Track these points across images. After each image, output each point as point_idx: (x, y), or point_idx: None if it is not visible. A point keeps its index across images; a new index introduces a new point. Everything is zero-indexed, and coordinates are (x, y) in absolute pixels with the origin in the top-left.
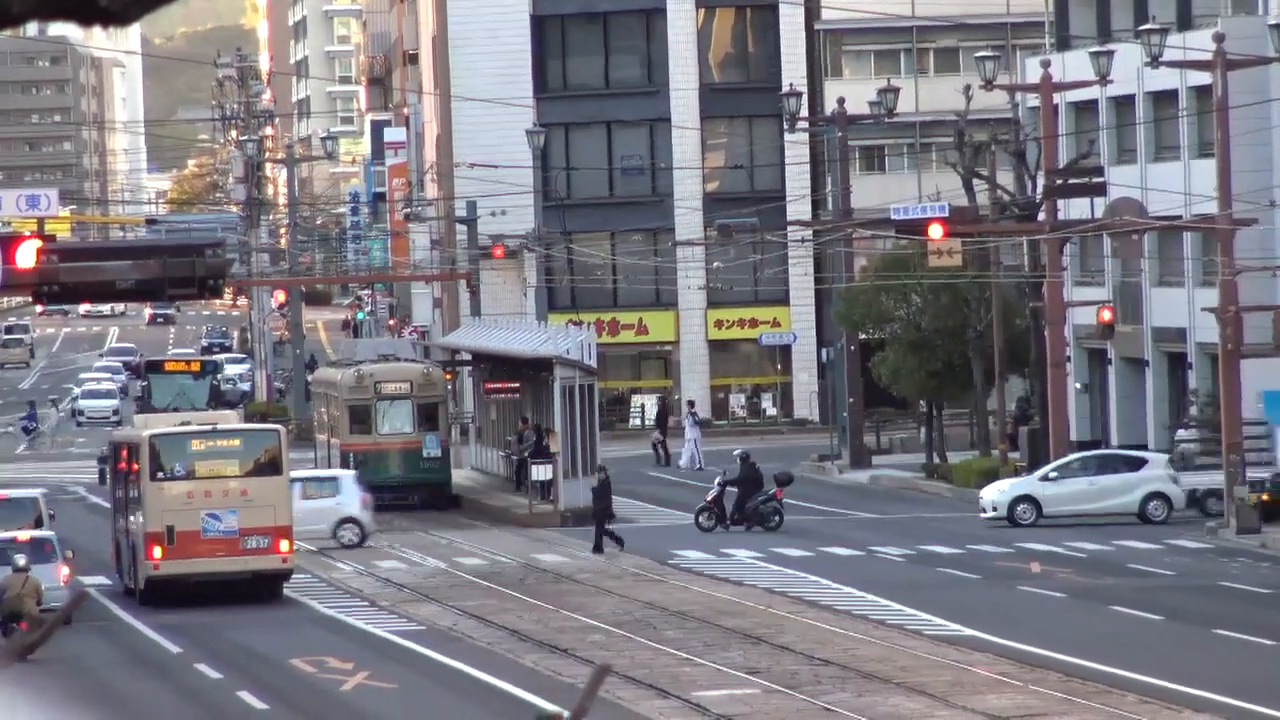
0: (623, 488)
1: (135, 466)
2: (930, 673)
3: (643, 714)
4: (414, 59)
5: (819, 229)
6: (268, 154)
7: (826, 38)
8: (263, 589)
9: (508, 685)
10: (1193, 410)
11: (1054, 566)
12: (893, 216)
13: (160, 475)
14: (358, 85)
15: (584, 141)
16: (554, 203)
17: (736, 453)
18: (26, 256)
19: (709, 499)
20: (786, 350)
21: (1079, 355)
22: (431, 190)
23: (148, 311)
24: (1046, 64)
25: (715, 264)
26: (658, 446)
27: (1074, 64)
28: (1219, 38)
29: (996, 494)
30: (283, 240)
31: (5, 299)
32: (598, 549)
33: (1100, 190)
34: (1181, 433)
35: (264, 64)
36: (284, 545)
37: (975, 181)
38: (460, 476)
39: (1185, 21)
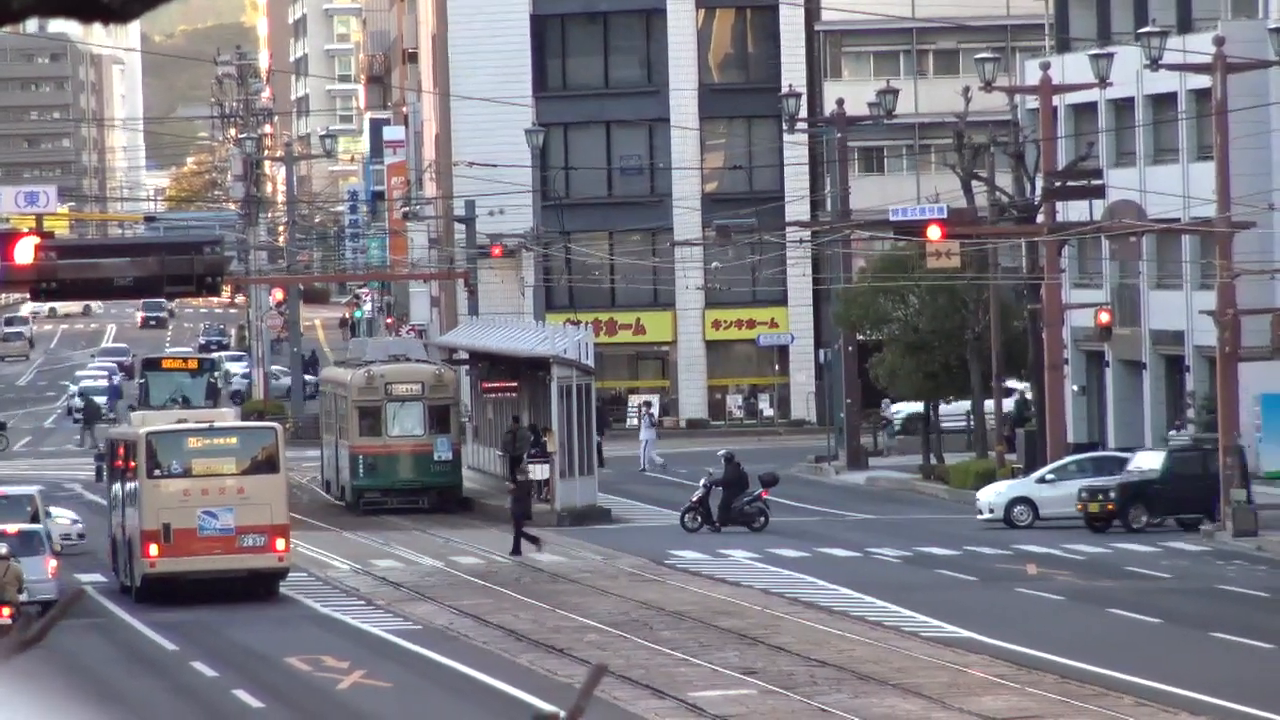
0: (619, 487)
1: (132, 464)
2: (926, 674)
3: (639, 714)
4: (413, 57)
5: (817, 230)
6: (266, 152)
7: (826, 39)
8: (259, 587)
9: (504, 685)
10: (1189, 413)
11: (1051, 568)
12: (891, 218)
13: (157, 473)
14: (357, 83)
15: (583, 141)
16: (552, 202)
17: (721, 453)
18: (25, 253)
19: (694, 499)
20: (784, 351)
21: (1077, 357)
22: (430, 189)
23: (139, 315)
24: (1046, 66)
25: (713, 264)
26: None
27: (1073, 66)
28: (1219, 41)
29: (993, 496)
30: (281, 238)
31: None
32: (515, 551)
33: (1099, 193)
34: (1173, 434)
35: (263, 62)
36: (280, 543)
37: (974, 183)
38: None
39: (1185, 24)
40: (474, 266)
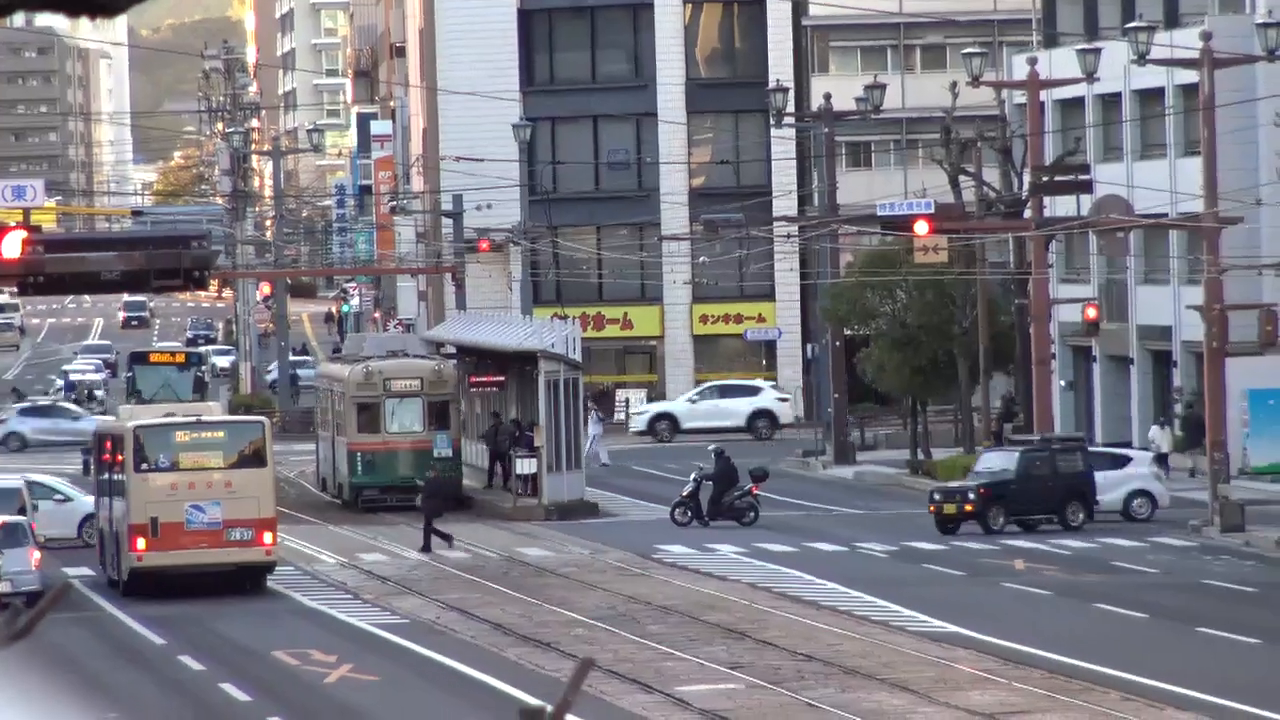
0: (607, 481)
1: (119, 458)
2: (913, 669)
3: (626, 708)
4: (401, 52)
5: (805, 225)
6: (254, 146)
7: (813, 33)
8: (246, 581)
9: (491, 679)
10: (1176, 408)
11: (1038, 564)
12: (879, 213)
13: (144, 467)
14: (344, 78)
15: (570, 136)
16: (540, 197)
17: (712, 448)
18: (12, 247)
19: (684, 494)
20: (771, 346)
21: (1064, 353)
22: (417, 183)
23: (121, 314)
24: (1033, 61)
25: (701, 259)
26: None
27: (1061, 61)
28: (1206, 36)
29: None
30: (268, 233)
31: None
32: (425, 548)
33: (1086, 188)
34: (1154, 430)
35: (250, 56)
36: (268, 538)
37: (961, 178)
38: None
39: (1172, 19)
40: (461, 261)
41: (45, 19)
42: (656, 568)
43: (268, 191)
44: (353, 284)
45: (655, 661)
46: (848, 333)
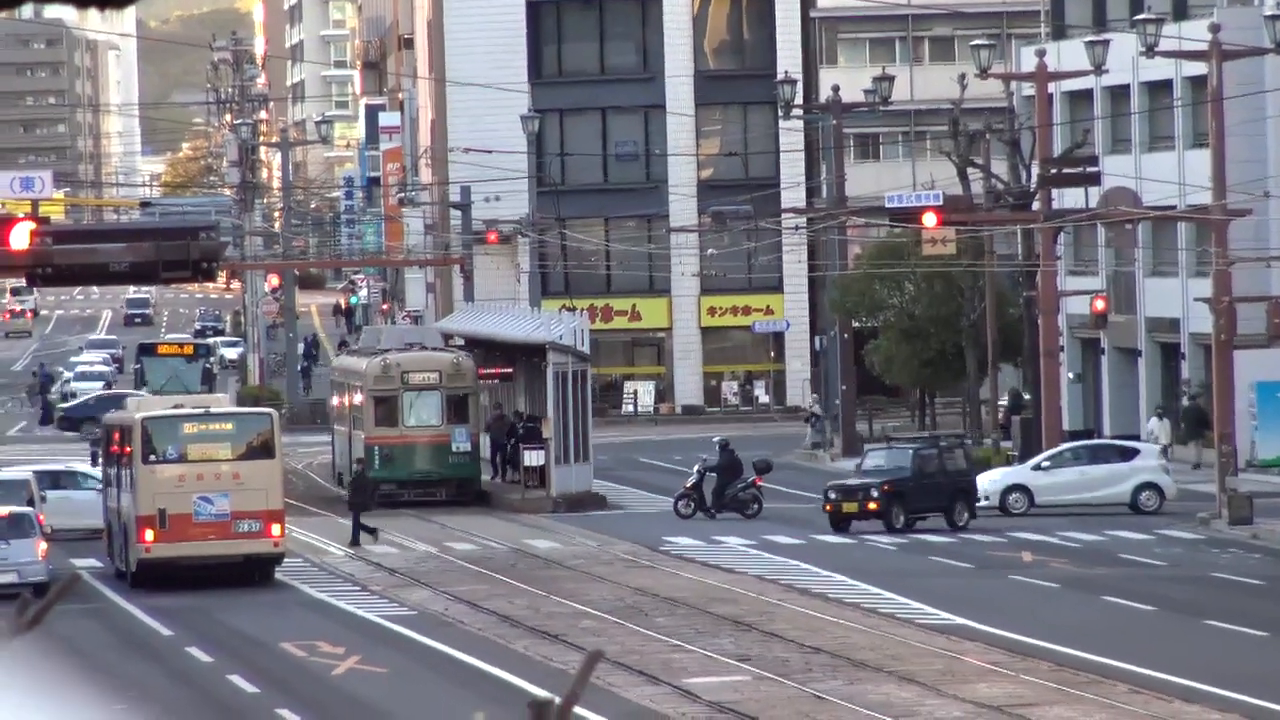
0: (614, 474)
1: (128, 449)
2: (921, 661)
3: (633, 700)
4: (409, 43)
5: (813, 216)
6: (262, 138)
7: (822, 25)
8: (254, 572)
9: (499, 671)
10: (1183, 400)
11: (1046, 556)
12: (887, 205)
13: (152, 458)
14: (352, 69)
15: (578, 127)
16: (548, 188)
17: (716, 440)
18: (20, 238)
19: (688, 485)
20: (779, 338)
21: (1072, 345)
22: (425, 175)
23: (125, 313)
24: (1042, 53)
25: (709, 251)
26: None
27: (1069, 53)
28: (1214, 28)
29: (988, 483)
30: (276, 224)
31: None
32: (354, 543)
33: (1094, 180)
34: (1154, 422)
35: (259, 48)
36: (276, 529)
37: (970, 170)
38: None
39: (1181, 11)
40: (470, 252)
41: (54, 10)
42: (664, 560)
43: (276, 183)
44: (361, 276)
45: (663, 653)
46: (856, 324)
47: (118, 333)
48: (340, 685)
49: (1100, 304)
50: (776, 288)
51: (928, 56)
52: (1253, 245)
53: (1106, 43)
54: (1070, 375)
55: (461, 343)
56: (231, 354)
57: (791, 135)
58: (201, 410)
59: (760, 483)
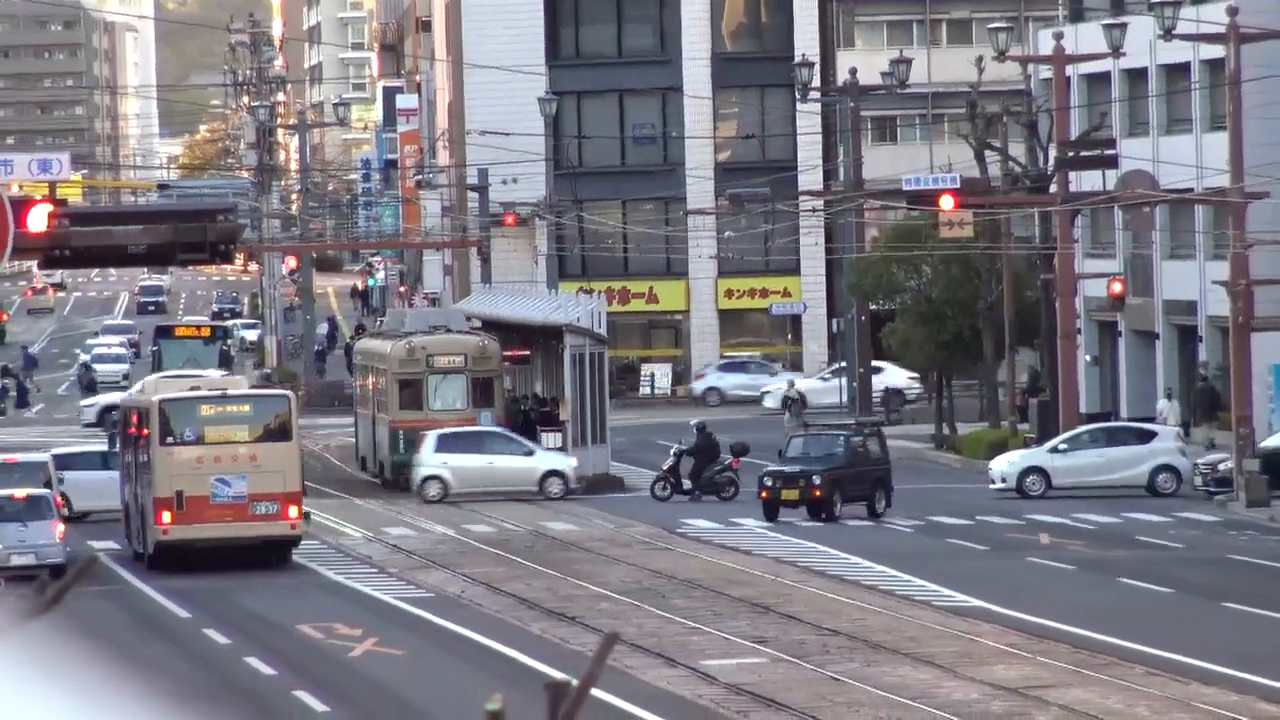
0: (631, 456)
1: (145, 431)
2: (938, 643)
3: (651, 682)
4: (427, 25)
5: (830, 199)
6: (280, 120)
7: (839, 8)
8: (271, 555)
9: (516, 653)
10: (1199, 381)
11: (1063, 538)
12: (904, 187)
13: (170, 440)
14: (370, 51)
15: (596, 110)
16: (565, 171)
17: (694, 423)
18: (38, 220)
19: (664, 468)
20: (797, 320)
21: (1089, 327)
22: (443, 157)
23: (138, 300)
24: (1059, 36)
25: (726, 233)
26: None
27: (1087, 36)
28: (1232, 11)
29: (1006, 465)
30: (294, 206)
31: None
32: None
33: (1112, 163)
34: (1163, 403)
35: (276, 29)
36: (293, 511)
37: (987, 153)
38: None
39: None
40: (487, 235)
41: None
42: (681, 542)
43: (293, 165)
44: (378, 258)
45: (680, 636)
46: (873, 307)
47: (132, 319)
48: (358, 667)
49: (1118, 287)
50: (794, 270)
51: (945, 39)
52: (1270, 228)
53: (1124, 25)
54: (1087, 358)
55: (479, 325)
56: (251, 335)
57: (809, 118)
58: (219, 392)
59: (738, 465)
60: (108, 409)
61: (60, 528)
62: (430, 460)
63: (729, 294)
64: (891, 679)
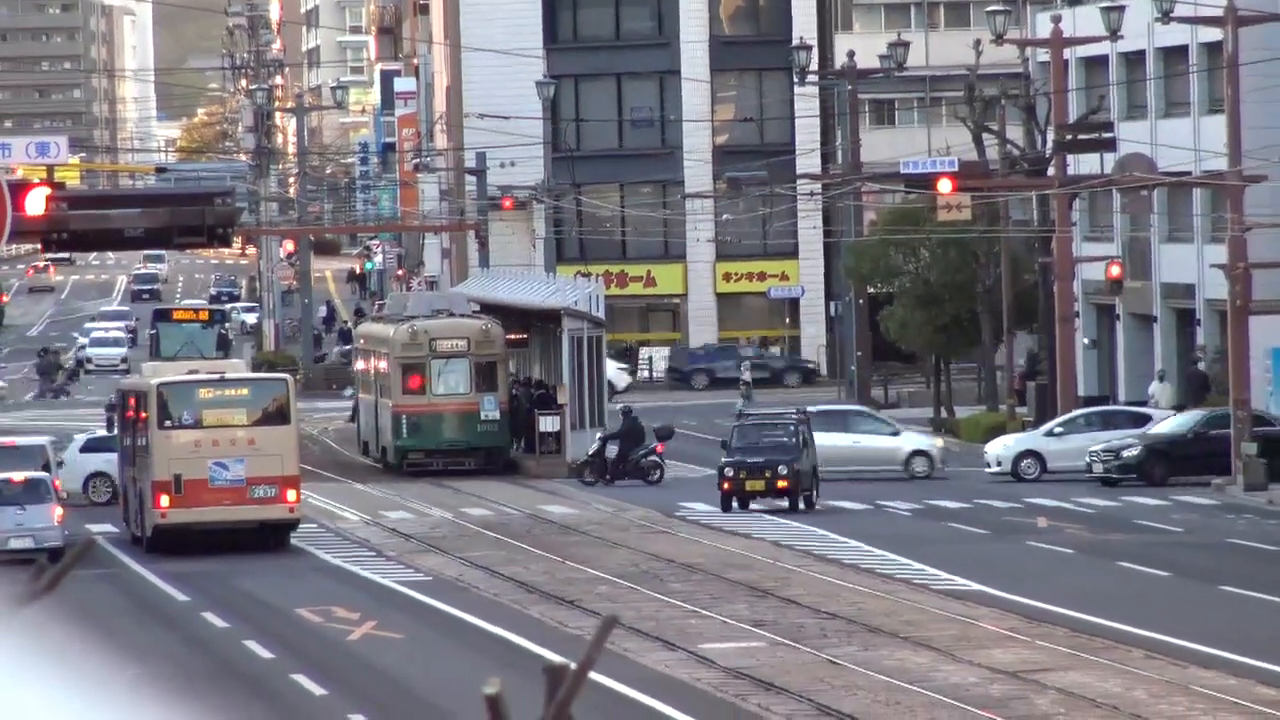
0: None
1: (143, 415)
2: (936, 627)
3: (649, 666)
4: (424, 9)
5: (828, 182)
6: (277, 103)
7: None
8: (270, 538)
9: (514, 636)
10: (1200, 366)
11: (1061, 522)
12: (902, 171)
13: (168, 424)
14: (368, 35)
15: (594, 93)
16: (563, 154)
17: (619, 408)
18: (36, 204)
19: (590, 453)
20: (795, 304)
21: (1087, 311)
22: (441, 141)
23: (132, 288)
24: (1057, 19)
25: (724, 217)
26: None
27: (1085, 19)
28: None
29: (1001, 449)
30: (292, 190)
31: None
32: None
33: (1110, 146)
34: (1154, 385)
35: (274, 13)
36: (291, 495)
37: (985, 136)
38: None
39: None
40: (485, 218)
41: None
42: (680, 525)
43: (291, 148)
44: (376, 241)
45: (678, 619)
46: (871, 291)
47: (127, 306)
48: (356, 651)
49: (1115, 270)
50: (792, 254)
51: (943, 22)
52: (1268, 211)
53: (1122, 8)
54: (1085, 341)
55: (477, 308)
56: (251, 319)
57: (807, 101)
58: (217, 376)
59: (662, 450)
60: None
61: (58, 511)
62: None
63: (727, 277)
64: (890, 662)
